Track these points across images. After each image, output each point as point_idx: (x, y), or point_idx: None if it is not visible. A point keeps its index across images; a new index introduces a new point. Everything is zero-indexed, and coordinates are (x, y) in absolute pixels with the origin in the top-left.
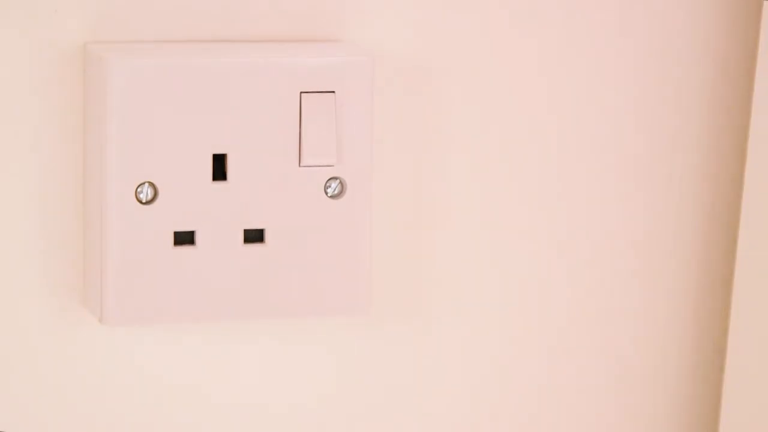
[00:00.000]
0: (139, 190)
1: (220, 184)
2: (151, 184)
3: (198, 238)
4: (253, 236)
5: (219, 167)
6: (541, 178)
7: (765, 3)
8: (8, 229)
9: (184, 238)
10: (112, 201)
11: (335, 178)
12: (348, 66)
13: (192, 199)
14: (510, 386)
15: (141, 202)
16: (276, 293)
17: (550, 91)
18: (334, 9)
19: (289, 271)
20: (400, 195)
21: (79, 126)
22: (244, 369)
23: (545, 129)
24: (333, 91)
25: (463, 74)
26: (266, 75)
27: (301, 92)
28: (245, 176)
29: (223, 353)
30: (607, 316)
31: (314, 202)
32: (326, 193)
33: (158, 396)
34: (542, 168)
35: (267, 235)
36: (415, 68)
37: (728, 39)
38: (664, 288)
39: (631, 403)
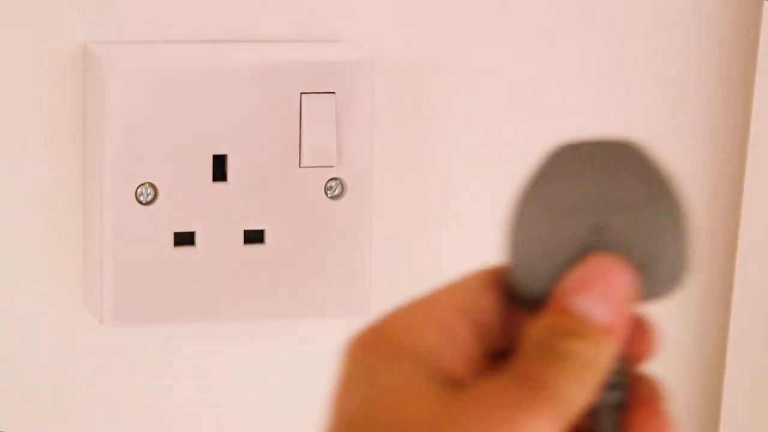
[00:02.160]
0: (139, 190)
1: (220, 184)
2: (151, 185)
3: (198, 238)
4: (253, 236)
5: (219, 168)
6: None
7: (765, 3)
8: (8, 229)
9: (184, 239)
10: (112, 201)
11: (335, 179)
12: (348, 66)
13: (192, 199)
14: None
15: (141, 202)
16: (276, 294)
17: (550, 90)
18: (334, 9)
19: (289, 272)
20: (400, 195)
21: (79, 126)
22: (244, 369)
23: (545, 129)
24: (333, 92)
25: (462, 74)
26: (266, 75)
27: (301, 93)
28: (245, 177)
29: (222, 353)
30: None
31: (314, 202)
32: (326, 194)
33: (158, 396)
34: None
35: (267, 236)
36: (415, 68)
37: (728, 39)
38: None
39: None
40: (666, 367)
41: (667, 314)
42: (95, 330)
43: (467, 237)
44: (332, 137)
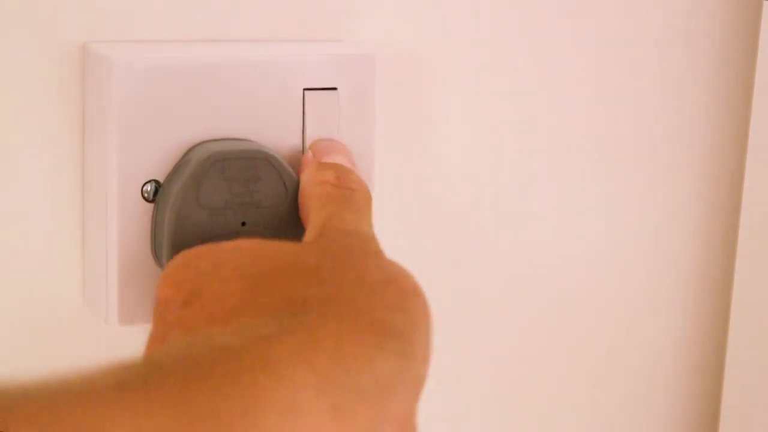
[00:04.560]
0: (144, 188)
1: None
2: (157, 182)
3: None
4: None
5: None
6: (540, 176)
7: (765, 3)
8: (9, 229)
9: None
10: (117, 199)
11: None
12: (350, 62)
13: None
14: (509, 384)
15: (147, 199)
16: None
17: (550, 90)
18: (336, 10)
19: None
20: (402, 190)
21: (79, 125)
22: None
23: (545, 128)
24: (335, 88)
25: (463, 70)
26: (269, 72)
27: (304, 89)
28: None
29: None
30: (606, 315)
31: None
32: None
33: None
34: (541, 167)
35: None
36: (416, 67)
37: (728, 39)
38: (664, 288)
39: (631, 402)
40: (666, 367)
41: (667, 314)
42: (98, 330)
43: (469, 230)
44: (335, 133)
